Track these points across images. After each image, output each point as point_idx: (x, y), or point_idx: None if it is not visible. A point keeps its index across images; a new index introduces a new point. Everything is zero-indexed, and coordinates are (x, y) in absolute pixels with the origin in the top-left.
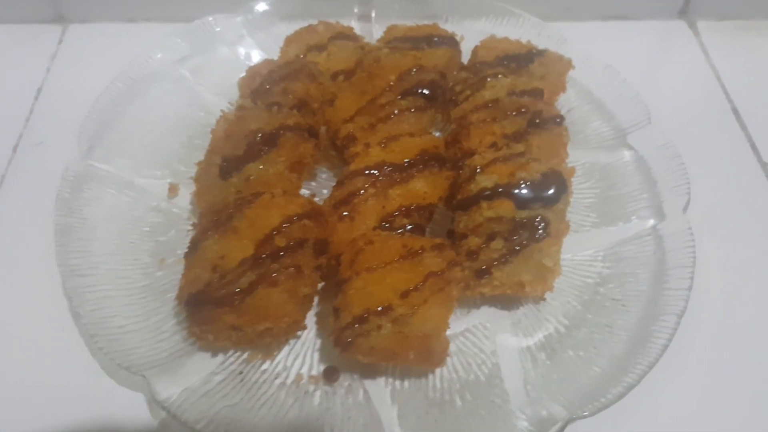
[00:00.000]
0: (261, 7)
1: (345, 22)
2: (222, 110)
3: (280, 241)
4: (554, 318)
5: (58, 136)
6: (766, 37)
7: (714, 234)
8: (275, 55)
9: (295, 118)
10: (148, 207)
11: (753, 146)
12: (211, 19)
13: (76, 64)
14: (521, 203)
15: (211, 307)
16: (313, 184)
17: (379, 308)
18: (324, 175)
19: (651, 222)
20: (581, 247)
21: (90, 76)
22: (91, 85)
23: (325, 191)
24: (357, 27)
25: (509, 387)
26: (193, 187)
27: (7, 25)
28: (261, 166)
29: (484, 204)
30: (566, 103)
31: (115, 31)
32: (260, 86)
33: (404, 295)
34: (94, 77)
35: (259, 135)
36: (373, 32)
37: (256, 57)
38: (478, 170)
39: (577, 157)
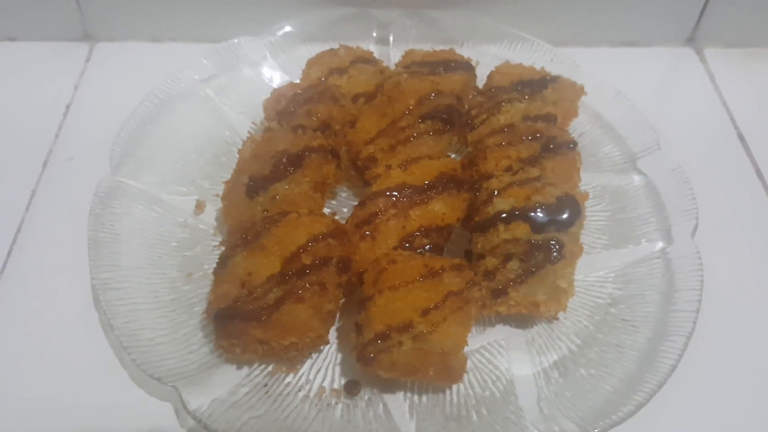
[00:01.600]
0: (284, 29)
1: (364, 45)
2: (248, 132)
3: (305, 259)
4: (566, 337)
5: (86, 151)
6: None
7: (720, 257)
8: (297, 75)
9: (319, 140)
10: (175, 223)
11: (758, 172)
12: (236, 41)
13: (104, 81)
14: (537, 226)
15: (239, 322)
16: (334, 202)
17: (401, 325)
18: (344, 194)
19: (660, 245)
20: (593, 269)
21: (117, 93)
22: (118, 103)
23: (345, 209)
24: (375, 50)
25: (523, 403)
26: (218, 204)
27: (36, 43)
28: (287, 186)
29: (501, 226)
30: (578, 127)
31: (140, 50)
32: (285, 108)
33: (425, 313)
34: (120, 95)
35: (286, 156)
36: (390, 55)
37: (278, 77)
38: (495, 193)
39: (588, 180)
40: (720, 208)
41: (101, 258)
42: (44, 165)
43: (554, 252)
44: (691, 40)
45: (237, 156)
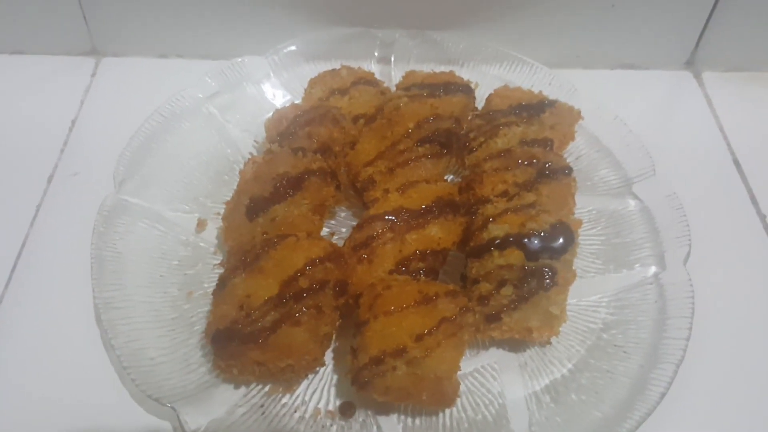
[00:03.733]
0: (287, 48)
1: (365, 64)
2: (251, 151)
3: (303, 283)
4: (559, 362)
5: (91, 167)
6: None
7: (712, 284)
8: (299, 94)
9: (319, 162)
10: (177, 241)
11: (753, 198)
12: (239, 60)
13: (109, 97)
14: (530, 253)
15: (237, 344)
16: (333, 222)
17: (395, 350)
18: (343, 214)
19: (653, 270)
20: (586, 293)
21: (122, 109)
22: (124, 118)
23: (344, 229)
24: (376, 69)
25: (515, 427)
26: (219, 222)
27: (42, 56)
28: (286, 208)
29: (496, 252)
30: (575, 150)
31: (146, 66)
32: (286, 129)
33: (419, 338)
34: (126, 110)
35: (285, 178)
36: (392, 74)
37: (281, 96)
38: (490, 219)
39: (584, 204)
40: (714, 233)
41: (104, 277)
42: (49, 180)
43: (547, 279)
44: (689, 64)
45: (239, 175)
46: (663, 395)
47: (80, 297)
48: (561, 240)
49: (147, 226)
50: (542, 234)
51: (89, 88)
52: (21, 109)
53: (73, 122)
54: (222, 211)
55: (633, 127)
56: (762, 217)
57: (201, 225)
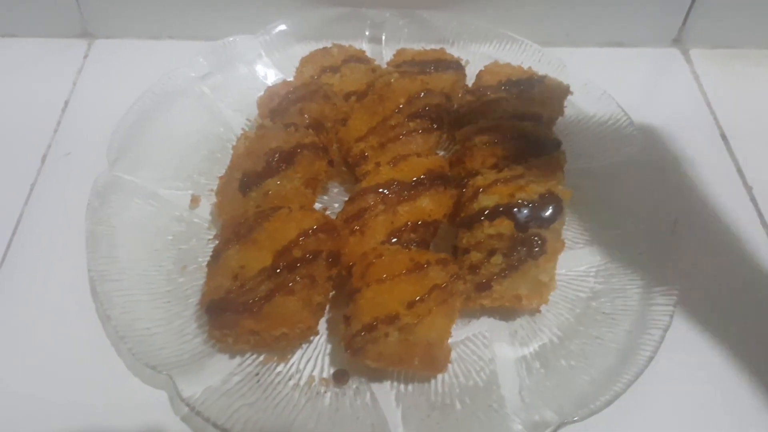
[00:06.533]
0: (278, 28)
1: (356, 44)
2: (243, 129)
3: (296, 253)
4: (548, 329)
5: (84, 147)
6: (756, 66)
7: (699, 254)
8: (290, 73)
9: (310, 137)
10: (171, 217)
11: (739, 170)
12: (231, 39)
13: (101, 78)
14: (520, 222)
15: (232, 313)
16: (325, 198)
17: (387, 317)
18: (336, 190)
19: (642, 241)
20: (575, 263)
21: (114, 90)
22: (116, 99)
23: (336, 205)
24: (368, 48)
25: (505, 393)
26: (212, 199)
27: (34, 39)
28: (279, 182)
29: (486, 222)
30: (564, 126)
31: (138, 48)
32: (278, 106)
33: (410, 305)
34: (118, 91)
35: (278, 153)
36: (383, 54)
37: (273, 75)
38: (480, 190)
39: None
40: (701, 204)
41: (98, 250)
42: (43, 160)
43: (536, 247)
44: (677, 41)
45: (231, 152)
46: (650, 359)
47: (74, 273)
48: (550, 209)
49: (141, 203)
50: (531, 203)
51: (81, 69)
52: (15, 91)
53: (66, 103)
54: (215, 188)
55: (621, 103)
56: (748, 188)
57: (194, 201)
